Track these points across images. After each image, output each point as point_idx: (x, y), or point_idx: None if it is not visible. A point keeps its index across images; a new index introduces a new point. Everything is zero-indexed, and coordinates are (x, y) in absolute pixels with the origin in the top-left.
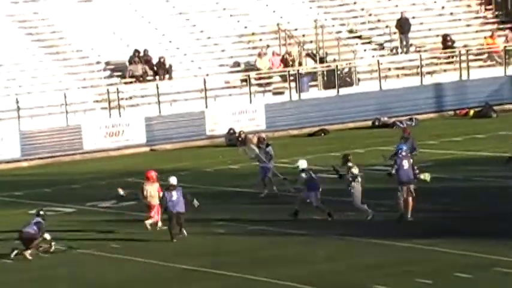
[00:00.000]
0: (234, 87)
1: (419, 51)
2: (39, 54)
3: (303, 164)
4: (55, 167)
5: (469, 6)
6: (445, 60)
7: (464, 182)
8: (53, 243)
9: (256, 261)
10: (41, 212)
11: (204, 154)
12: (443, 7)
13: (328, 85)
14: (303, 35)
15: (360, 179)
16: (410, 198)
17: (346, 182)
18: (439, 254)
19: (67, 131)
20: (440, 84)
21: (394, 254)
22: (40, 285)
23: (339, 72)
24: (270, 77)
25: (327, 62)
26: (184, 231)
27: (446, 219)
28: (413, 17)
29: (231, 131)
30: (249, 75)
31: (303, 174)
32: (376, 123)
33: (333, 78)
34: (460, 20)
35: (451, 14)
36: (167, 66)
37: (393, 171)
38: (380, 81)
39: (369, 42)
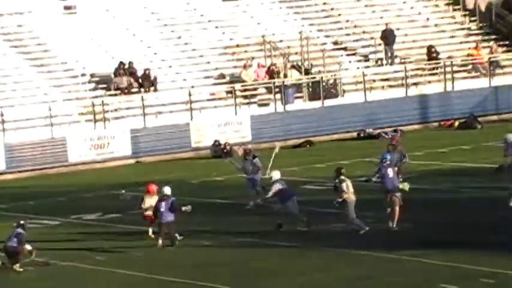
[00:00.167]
0: (220, 99)
1: (404, 62)
2: (24, 66)
3: (276, 175)
4: (40, 179)
5: (453, 17)
6: (430, 72)
7: (450, 193)
8: (33, 252)
9: (244, 274)
10: (21, 222)
11: (190, 166)
12: (428, 19)
13: (313, 97)
14: (288, 47)
15: (352, 190)
16: (396, 208)
17: (339, 194)
18: (425, 265)
19: (52, 143)
20: (425, 96)
21: (380, 265)
22: None
23: (324, 83)
24: (255, 89)
25: (312, 73)
26: (160, 242)
27: (432, 230)
28: (398, 29)
29: (217, 143)
30: (234, 87)
31: (277, 185)
32: (362, 135)
33: (318, 90)
34: (444, 31)
35: (436, 25)
36: (152, 78)
37: (374, 179)
38: (365, 92)
39: (354, 54)
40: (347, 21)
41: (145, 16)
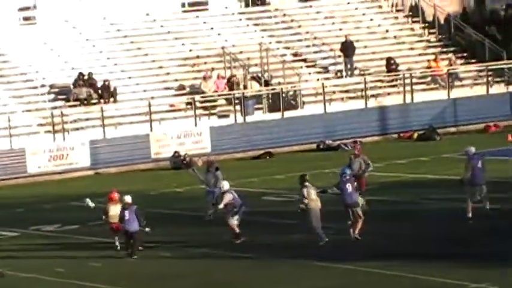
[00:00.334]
0: (179, 110)
1: (363, 74)
2: None
3: (225, 185)
4: None
5: (412, 29)
6: (389, 84)
7: (409, 205)
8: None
9: (205, 286)
10: None
11: (149, 177)
12: (387, 30)
13: (273, 108)
14: (248, 58)
15: (315, 200)
16: (359, 220)
17: (300, 203)
18: (386, 277)
19: (11, 154)
20: (385, 107)
21: (341, 277)
22: None
23: (283, 95)
24: (215, 100)
25: (271, 85)
26: (129, 251)
27: (392, 241)
28: (358, 40)
29: (176, 154)
30: (194, 98)
31: (229, 195)
32: (321, 146)
33: (278, 102)
34: (403, 43)
35: (395, 37)
36: (112, 89)
37: (330, 191)
38: (325, 104)
39: (314, 66)
40: (307, 32)
41: (105, 27)
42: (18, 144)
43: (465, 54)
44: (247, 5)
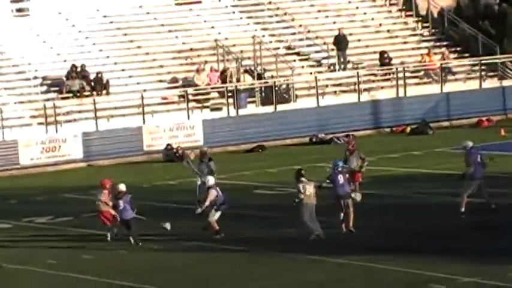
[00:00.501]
0: (172, 103)
1: (356, 68)
2: None
3: (210, 180)
4: None
5: (406, 23)
6: (382, 78)
7: (402, 199)
8: None
9: (196, 278)
10: None
11: (142, 170)
12: (380, 24)
13: (265, 101)
14: (241, 51)
15: (311, 195)
16: (350, 210)
17: (295, 197)
18: (377, 271)
19: (3, 146)
20: (377, 101)
21: (332, 271)
22: None
23: (276, 88)
24: (208, 93)
25: (264, 78)
26: (132, 241)
27: (384, 235)
28: (351, 34)
29: (169, 147)
30: (186, 91)
31: (214, 192)
32: (314, 140)
33: (271, 95)
34: (397, 37)
35: (388, 31)
36: (104, 81)
37: (323, 184)
38: (317, 97)
39: (307, 59)
40: (300, 26)
41: (98, 19)
42: (11, 136)
43: (458, 49)
44: None
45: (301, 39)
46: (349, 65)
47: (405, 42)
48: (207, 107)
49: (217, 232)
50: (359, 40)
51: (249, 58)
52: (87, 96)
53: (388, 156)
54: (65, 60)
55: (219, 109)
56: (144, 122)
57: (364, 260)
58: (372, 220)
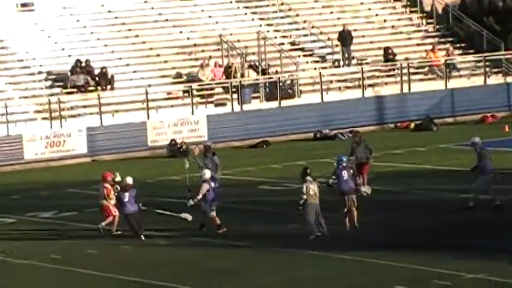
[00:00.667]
0: (176, 98)
1: (361, 63)
2: None
3: (206, 173)
4: None
5: (410, 19)
6: (387, 73)
7: (405, 195)
8: None
9: (202, 274)
10: None
11: (146, 165)
12: (385, 20)
13: (270, 97)
14: (246, 47)
15: (314, 194)
16: (353, 208)
17: (299, 199)
18: (380, 267)
19: (8, 140)
20: (382, 97)
21: (335, 266)
22: None
23: (281, 84)
24: (212, 89)
25: (269, 73)
26: (142, 236)
27: (387, 232)
28: (355, 30)
29: (173, 142)
30: (191, 87)
31: (206, 185)
32: (318, 136)
33: (275, 90)
34: (401, 33)
35: (393, 27)
36: (109, 76)
37: (330, 182)
38: (322, 93)
39: (311, 55)
40: (304, 21)
41: (103, 14)
42: (15, 130)
43: (463, 45)
44: None
45: (305, 35)
46: (354, 61)
47: (410, 38)
48: (212, 102)
49: (219, 227)
50: (363, 36)
51: (253, 53)
52: (91, 91)
53: (392, 152)
54: (69, 55)
55: (224, 104)
56: (148, 117)
57: (368, 256)
58: (375, 216)
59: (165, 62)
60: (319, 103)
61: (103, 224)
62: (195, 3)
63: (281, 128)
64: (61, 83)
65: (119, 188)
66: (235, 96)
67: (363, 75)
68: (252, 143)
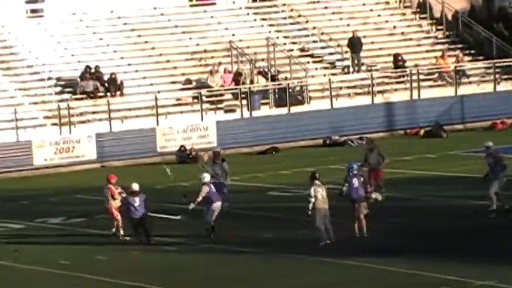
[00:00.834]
0: (186, 104)
1: (370, 70)
2: None
3: (206, 177)
4: (4, 182)
5: (420, 26)
6: (396, 80)
7: (415, 201)
8: None
9: (209, 280)
10: None
11: (155, 171)
12: (394, 27)
13: (279, 103)
14: (255, 53)
15: (323, 199)
16: (362, 216)
17: (308, 203)
18: (388, 273)
19: (17, 146)
20: (391, 104)
21: (345, 272)
22: None
23: (290, 90)
24: (221, 95)
25: (278, 80)
26: (152, 240)
27: (396, 238)
28: (365, 36)
29: (182, 149)
30: (200, 93)
31: (206, 188)
32: (327, 142)
33: (285, 97)
34: (411, 39)
35: (402, 33)
36: (118, 82)
37: (344, 189)
38: (331, 100)
39: (321, 61)
40: (314, 28)
41: (112, 20)
42: (25, 136)
43: (473, 51)
44: (254, 0)
45: (315, 41)
46: (363, 67)
47: (419, 45)
48: (221, 108)
49: (212, 229)
50: (373, 42)
51: (262, 60)
52: (101, 97)
53: (402, 158)
54: (79, 61)
55: (233, 111)
56: (157, 124)
57: (377, 263)
58: (385, 222)
59: (175, 68)
60: (328, 109)
61: (113, 230)
62: (205, 9)
63: (290, 135)
64: (70, 89)
65: (123, 195)
66: (244, 102)
67: (372, 81)
68: (261, 149)
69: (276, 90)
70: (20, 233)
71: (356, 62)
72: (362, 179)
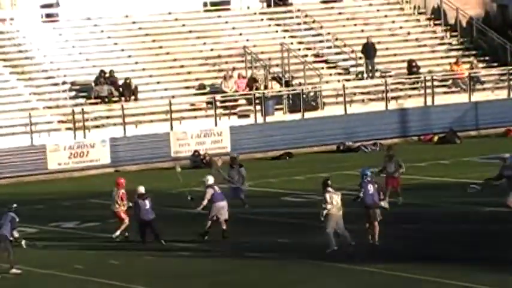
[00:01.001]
0: (200, 109)
1: (384, 76)
2: (5, 73)
3: (209, 179)
4: (19, 187)
5: (434, 32)
6: (410, 86)
7: (429, 208)
8: (23, 242)
9: (221, 285)
10: (14, 205)
11: (169, 176)
12: (408, 33)
13: (293, 109)
14: (269, 58)
15: (337, 205)
16: (376, 223)
17: (322, 209)
18: (404, 280)
19: (32, 151)
20: (405, 110)
21: (360, 279)
22: None
23: (304, 96)
24: (235, 100)
25: (292, 85)
26: (163, 241)
27: (411, 245)
28: (379, 42)
29: (196, 153)
30: (214, 98)
31: (210, 190)
32: (341, 148)
33: (299, 102)
34: (425, 45)
35: (417, 39)
36: (133, 87)
37: (361, 194)
38: (345, 105)
39: (335, 67)
40: (328, 33)
41: (127, 25)
42: (39, 141)
43: (487, 58)
44: (269, 5)
45: (329, 47)
46: (377, 73)
47: (433, 51)
48: (235, 113)
49: (206, 233)
50: (387, 48)
51: (277, 65)
52: (115, 101)
53: (416, 165)
54: (93, 66)
55: (247, 116)
56: (171, 128)
57: (392, 269)
58: (399, 229)
59: (189, 73)
60: (342, 115)
61: (117, 233)
62: (219, 14)
63: (304, 140)
64: (85, 94)
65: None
66: (258, 107)
67: (386, 87)
68: (275, 154)
69: (290, 96)
70: (34, 237)
71: (370, 68)
72: (376, 185)
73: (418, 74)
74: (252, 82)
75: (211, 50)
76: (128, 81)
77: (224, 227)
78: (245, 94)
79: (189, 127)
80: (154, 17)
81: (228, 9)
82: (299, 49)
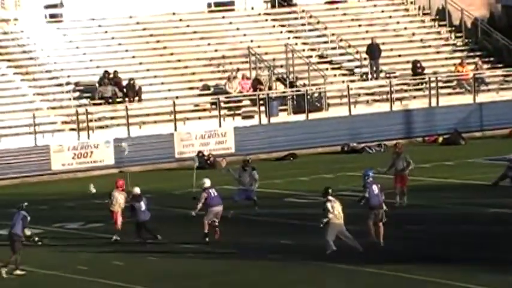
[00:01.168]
0: (204, 110)
1: (389, 77)
2: (9, 74)
3: (206, 182)
4: (22, 187)
5: (439, 33)
6: (415, 87)
7: (433, 209)
8: (36, 239)
9: (224, 286)
10: (25, 204)
11: (173, 177)
12: (413, 34)
13: (297, 110)
14: (273, 59)
15: (339, 214)
16: (381, 224)
17: (323, 217)
18: (409, 281)
19: (35, 151)
20: (410, 111)
21: (362, 279)
22: None
23: (308, 96)
24: (239, 101)
25: (296, 86)
26: (159, 236)
27: (415, 245)
28: (384, 43)
29: (200, 154)
30: (218, 99)
31: (204, 194)
32: (345, 149)
33: (303, 103)
34: (430, 46)
35: (421, 40)
36: (137, 88)
37: (366, 195)
38: (350, 106)
39: (339, 68)
40: (333, 34)
41: (131, 26)
42: (43, 141)
43: (492, 59)
44: (273, 6)
45: (333, 48)
46: (382, 74)
47: (438, 52)
48: (239, 114)
49: (206, 235)
50: (392, 49)
51: (281, 66)
52: (119, 102)
53: (420, 166)
54: (97, 67)
55: (251, 117)
56: (175, 129)
57: (395, 270)
58: (403, 230)
59: (193, 73)
60: (346, 116)
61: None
62: (223, 15)
63: (308, 141)
64: (89, 94)
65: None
66: (262, 108)
67: (391, 88)
68: (279, 155)
69: (294, 97)
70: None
71: (375, 68)
72: (379, 186)
73: (422, 75)
74: (256, 83)
75: (216, 50)
76: (132, 81)
77: (216, 230)
78: (249, 95)
79: (193, 128)
80: (159, 18)
81: (232, 9)
82: (303, 50)
